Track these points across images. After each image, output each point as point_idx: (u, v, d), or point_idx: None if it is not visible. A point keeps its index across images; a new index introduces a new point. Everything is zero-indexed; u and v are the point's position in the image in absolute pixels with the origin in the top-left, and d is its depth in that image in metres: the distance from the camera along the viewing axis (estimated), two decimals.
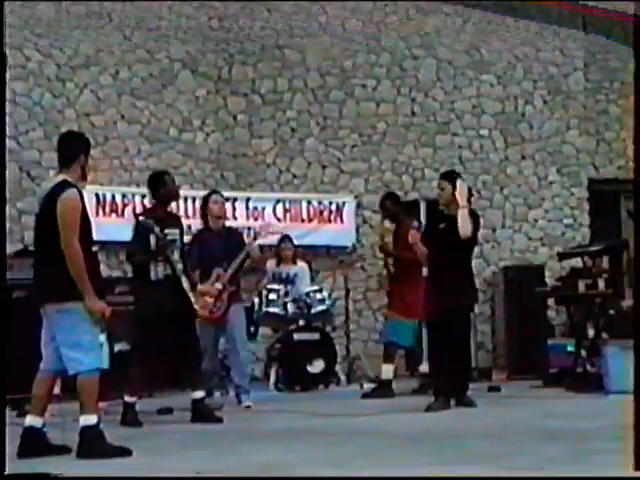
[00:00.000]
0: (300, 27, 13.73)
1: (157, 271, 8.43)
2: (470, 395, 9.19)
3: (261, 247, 10.53)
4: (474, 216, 9.19)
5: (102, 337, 7.41)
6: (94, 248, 6.83)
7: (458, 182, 9.11)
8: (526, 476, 5.42)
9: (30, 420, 6.67)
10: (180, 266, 8.47)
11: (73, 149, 6.87)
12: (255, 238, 10.20)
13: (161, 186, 8.73)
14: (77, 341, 6.52)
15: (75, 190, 6.64)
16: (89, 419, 6.54)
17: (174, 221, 8.74)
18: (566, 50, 14.45)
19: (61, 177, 6.75)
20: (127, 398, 8.40)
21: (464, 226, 8.91)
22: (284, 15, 13.70)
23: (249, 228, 12.14)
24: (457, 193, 9.01)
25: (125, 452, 6.50)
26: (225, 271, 9.45)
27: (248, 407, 9.53)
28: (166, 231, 8.39)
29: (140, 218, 8.59)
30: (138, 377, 8.55)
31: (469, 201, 9.14)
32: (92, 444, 6.50)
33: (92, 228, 6.82)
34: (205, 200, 9.72)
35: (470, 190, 9.40)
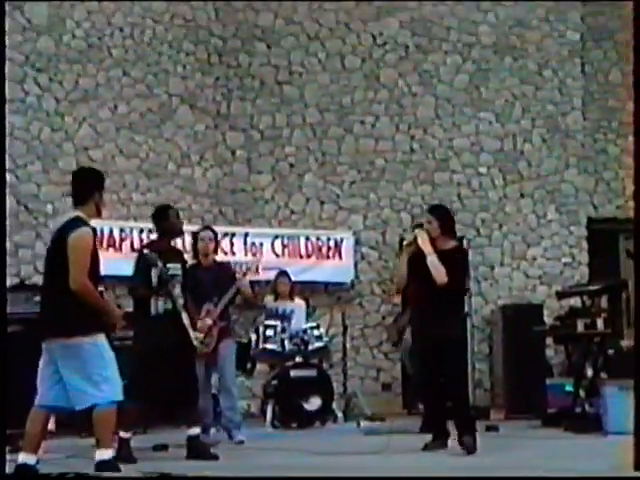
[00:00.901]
0: (299, 63, 13.78)
1: (157, 305, 8.38)
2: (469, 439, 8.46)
3: (252, 282, 10.49)
4: (459, 253, 9.00)
5: None
6: (101, 288, 6.82)
7: (415, 231, 8.84)
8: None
9: (23, 457, 6.62)
10: (181, 301, 8.42)
11: (89, 186, 6.86)
12: (245, 274, 10.15)
13: (164, 220, 8.71)
14: (89, 376, 6.52)
15: (88, 229, 6.65)
16: (103, 453, 6.51)
17: (176, 256, 8.69)
18: (565, 89, 14.46)
19: (75, 214, 6.73)
20: (122, 434, 8.29)
21: (437, 274, 8.52)
22: (283, 51, 13.75)
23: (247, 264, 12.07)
24: (420, 244, 8.67)
25: None
26: (215, 306, 9.41)
27: (241, 442, 9.47)
28: (168, 265, 8.35)
29: (144, 251, 8.54)
30: (133, 412, 8.45)
31: (451, 229, 8.95)
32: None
33: (100, 266, 6.79)
34: (195, 236, 9.72)
35: (451, 218, 9.09)
